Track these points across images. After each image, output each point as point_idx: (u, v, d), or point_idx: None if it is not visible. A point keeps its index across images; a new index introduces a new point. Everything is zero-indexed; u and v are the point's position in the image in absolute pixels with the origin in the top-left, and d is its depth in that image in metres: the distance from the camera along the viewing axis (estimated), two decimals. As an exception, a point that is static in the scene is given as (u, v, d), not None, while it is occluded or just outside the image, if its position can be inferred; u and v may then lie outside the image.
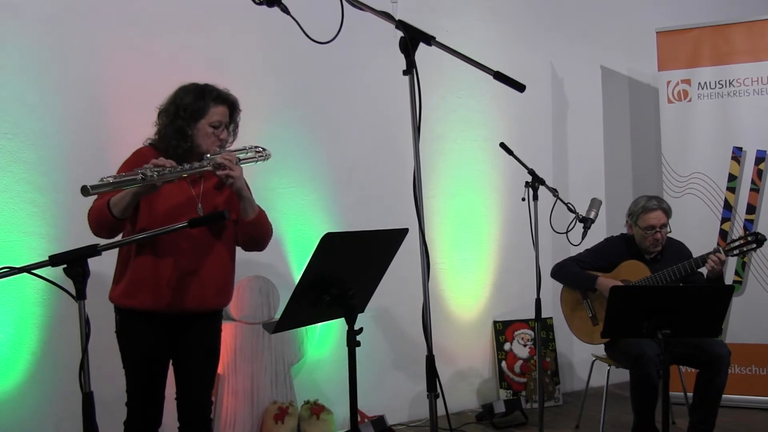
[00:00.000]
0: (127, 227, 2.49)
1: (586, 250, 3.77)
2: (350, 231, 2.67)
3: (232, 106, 2.61)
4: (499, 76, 1.87)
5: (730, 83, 4.49)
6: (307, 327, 3.76)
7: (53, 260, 1.74)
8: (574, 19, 4.97)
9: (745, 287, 4.45)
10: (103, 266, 2.46)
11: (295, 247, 3.89)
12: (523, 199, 3.23)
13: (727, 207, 4.49)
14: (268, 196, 3.62)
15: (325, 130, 4.02)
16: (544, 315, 3.51)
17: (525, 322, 4.58)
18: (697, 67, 4.57)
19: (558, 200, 3.25)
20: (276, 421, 3.54)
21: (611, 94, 5.14)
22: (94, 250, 1.77)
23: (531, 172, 3.26)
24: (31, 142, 3.23)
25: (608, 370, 3.71)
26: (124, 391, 2.53)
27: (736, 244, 3.53)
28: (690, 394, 3.59)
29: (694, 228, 4.42)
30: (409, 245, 2.16)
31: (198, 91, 2.55)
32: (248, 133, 2.79)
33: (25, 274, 1.75)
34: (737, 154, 4.48)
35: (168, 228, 2.02)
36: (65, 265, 1.74)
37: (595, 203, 3.33)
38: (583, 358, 4.67)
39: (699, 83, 4.55)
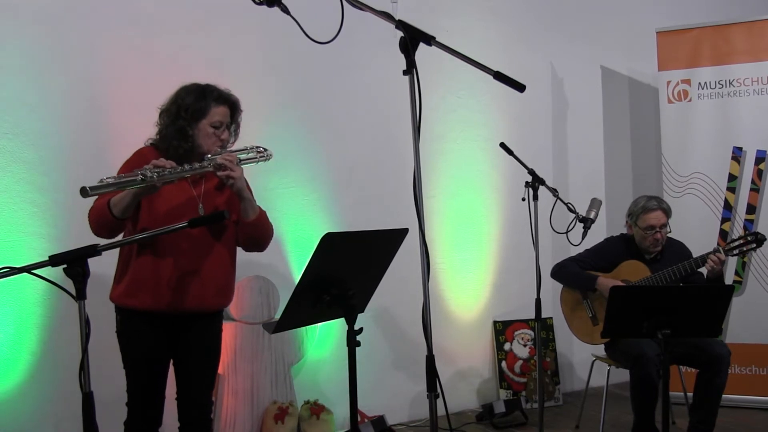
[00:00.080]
0: (128, 227, 2.50)
1: (586, 250, 3.77)
2: (350, 231, 2.67)
3: (233, 106, 2.61)
4: (499, 76, 1.87)
5: (730, 83, 4.49)
6: (307, 327, 3.76)
7: (53, 260, 1.74)
8: (574, 19, 4.97)
9: (745, 287, 4.45)
10: (103, 266, 2.46)
11: (295, 247, 3.89)
12: (523, 199, 3.23)
13: (727, 207, 4.49)
14: (268, 196, 3.62)
15: (325, 130, 4.02)
16: (544, 315, 3.51)
17: (525, 322, 4.58)
18: (697, 67, 4.57)
19: (558, 200, 3.25)
20: (276, 421, 3.54)
21: (611, 94, 5.14)
22: (94, 250, 1.77)
23: (531, 172, 3.26)
24: (31, 142, 3.23)
25: (608, 370, 3.71)
26: (124, 391, 2.53)
27: (736, 244, 3.53)
28: (690, 394, 3.59)
29: (694, 228, 4.42)
30: (409, 245, 2.16)
31: (199, 91, 2.55)
32: (248, 133, 2.78)
33: (25, 274, 1.75)
34: (737, 154, 4.48)
35: (168, 228, 2.02)
36: (65, 265, 1.74)
37: (595, 203, 3.33)
38: (583, 358, 4.67)
39: (699, 83, 4.55)
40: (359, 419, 3.51)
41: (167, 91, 2.59)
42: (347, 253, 2.07)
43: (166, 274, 2.44)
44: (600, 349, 3.78)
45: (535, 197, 3.23)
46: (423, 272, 1.85)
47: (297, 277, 3.63)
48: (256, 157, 2.61)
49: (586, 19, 5.03)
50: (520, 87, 1.88)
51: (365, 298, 2.21)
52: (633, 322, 2.68)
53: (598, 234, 4.07)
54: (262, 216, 2.60)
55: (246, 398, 3.57)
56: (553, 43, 4.86)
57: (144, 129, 2.63)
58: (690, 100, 4.57)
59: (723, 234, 4.47)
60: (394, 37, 1.91)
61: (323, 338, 3.92)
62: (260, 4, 1.97)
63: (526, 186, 3.25)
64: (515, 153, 3.33)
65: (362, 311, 2.15)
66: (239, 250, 2.67)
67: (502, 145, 3.36)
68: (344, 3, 1.92)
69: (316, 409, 3.69)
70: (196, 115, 2.51)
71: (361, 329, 2.03)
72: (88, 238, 2.20)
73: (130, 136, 2.78)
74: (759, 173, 4.45)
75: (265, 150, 2.64)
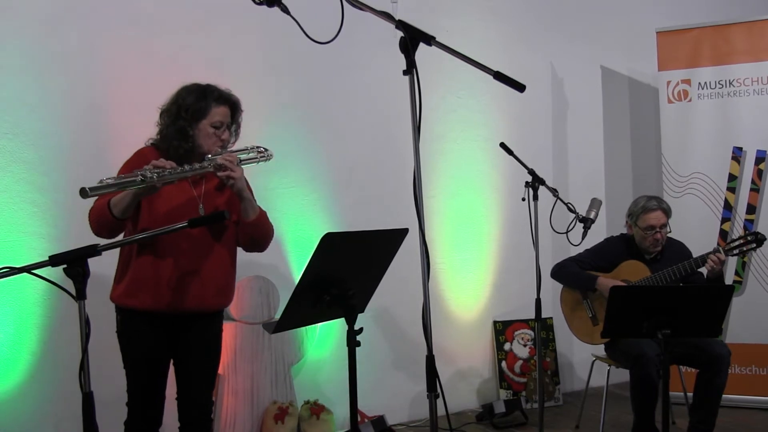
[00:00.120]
0: (128, 227, 2.50)
1: (586, 250, 3.77)
2: (350, 231, 2.67)
3: (233, 106, 2.61)
4: (499, 76, 1.87)
5: (730, 83, 4.49)
6: (307, 327, 3.76)
7: (53, 260, 1.74)
8: (574, 19, 4.97)
9: (745, 287, 4.45)
10: (103, 266, 2.46)
11: (295, 247, 3.89)
12: (523, 199, 3.23)
13: (727, 207, 4.49)
14: (268, 196, 3.62)
15: (325, 130, 4.02)
16: (544, 315, 3.51)
17: (525, 322, 4.58)
18: (697, 67, 4.57)
19: (558, 200, 3.25)
20: (276, 421, 3.54)
21: (611, 94, 5.14)
22: (94, 250, 1.77)
23: (531, 172, 3.26)
24: (31, 142, 3.23)
25: (608, 370, 3.71)
26: (124, 391, 2.53)
27: (736, 243, 3.53)
28: (690, 394, 3.59)
29: (694, 228, 4.42)
30: (409, 245, 2.16)
31: (200, 91, 2.54)
32: (248, 133, 2.78)
33: (25, 274, 1.75)
34: (737, 154, 4.48)
35: (168, 228, 2.02)
36: (65, 265, 1.74)
37: (595, 203, 3.33)
38: (583, 358, 4.67)
39: (699, 83, 4.55)
40: (359, 419, 3.51)
41: (167, 91, 2.59)
42: (347, 253, 2.07)
43: (166, 274, 2.43)
44: (600, 349, 3.78)
45: (535, 197, 3.23)
46: (423, 272, 1.85)
47: (297, 277, 3.63)
48: (256, 157, 2.61)
49: (586, 19, 5.03)
50: (520, 87, 1.88)
51: (365, 298, 2.21)
52: (633, 322, 2.68)
53: (598, 234, 4.07)
54: (263, 216, 2.60)
55: (246, 398, 3.57)
56: (553, 43, 4.86)
57: (144, 129, 2.63)
58: (690, 100, 4.58)
59: (723, 234, 4.47)
60: (394, 37, 1.91)
61: (323, 338, 3.92)
62: (260, 4, 1.97)
63: (526, 186, 3.25)
64: (515, 153, 3.33)
65: (362, 311, 2.15)
66: (239, 250, 2.67)
67: (502, 145, 3.36)
68: (344, 3, 1.92)
69: (316, 409, 3.69)
70: (196, 115, 2.51)
71: (361, 329, 2.03)
72: (88, 238, 2.20)
73: (130, 136, 2.78)
74: (759, 173, 4.45)
75: (266, 150, 2.64)
